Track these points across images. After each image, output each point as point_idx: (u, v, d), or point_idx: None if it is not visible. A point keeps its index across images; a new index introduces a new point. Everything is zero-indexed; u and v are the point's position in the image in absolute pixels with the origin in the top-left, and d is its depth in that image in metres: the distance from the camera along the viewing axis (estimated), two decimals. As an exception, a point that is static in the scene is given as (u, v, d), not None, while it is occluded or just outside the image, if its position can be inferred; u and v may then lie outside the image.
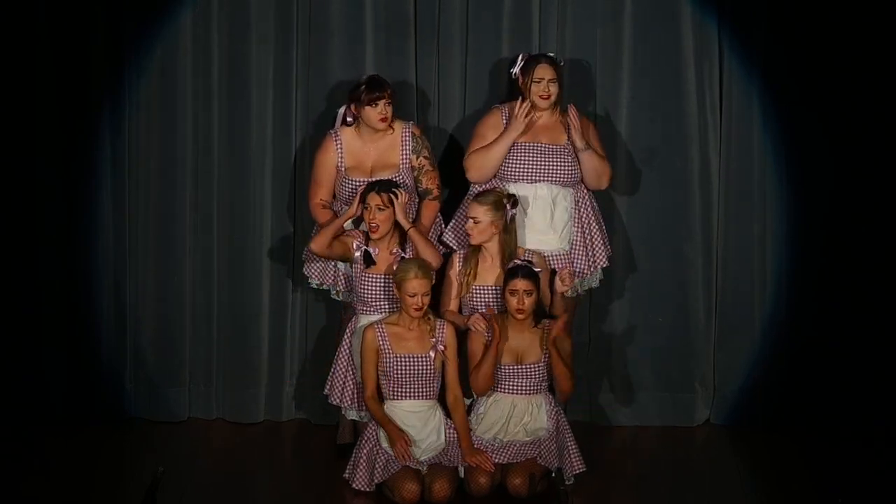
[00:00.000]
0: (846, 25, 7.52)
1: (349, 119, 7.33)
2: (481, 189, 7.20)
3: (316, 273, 7.36)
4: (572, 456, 6.89)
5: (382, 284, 7.05)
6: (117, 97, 7.67)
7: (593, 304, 7.77)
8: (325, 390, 7.25)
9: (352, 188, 7.24)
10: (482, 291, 7.08)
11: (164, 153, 7.74)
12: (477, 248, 7.08)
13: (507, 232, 7.06)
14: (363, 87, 7.23)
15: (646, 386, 7.82)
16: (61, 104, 7.59)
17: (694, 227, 7.75)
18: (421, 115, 7.70)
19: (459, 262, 7.13)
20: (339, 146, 7.31)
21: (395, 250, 7.06)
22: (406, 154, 7.30)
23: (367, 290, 7.07)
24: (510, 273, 6.85)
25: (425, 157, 7.32)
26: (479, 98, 7.69)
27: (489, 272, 7.09)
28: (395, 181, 7.12)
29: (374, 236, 7.02)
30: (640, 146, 7.73)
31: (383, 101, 7.22)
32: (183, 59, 7.70)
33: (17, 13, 7.51)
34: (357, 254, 7.06)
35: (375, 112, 7.22)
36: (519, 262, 6.92)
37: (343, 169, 7.28)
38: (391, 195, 6.98)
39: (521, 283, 6.80)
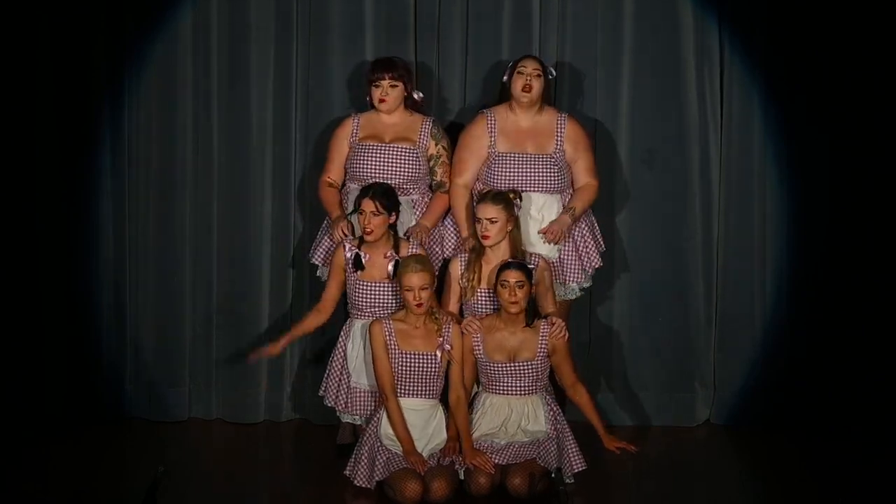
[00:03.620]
0: (846, 26, 7.52)
1: (368, 98, 7.31)
2: (484, 191, 7.16)
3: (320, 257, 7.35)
4: (572, 455, 6.87)
5: (375, 291, 7.04)
6: (117, 97, 7.67)
7: (593, 305, 7.77)
8: (321, 392, 7.25)
9: (364, 155, 7.19)
10: (489, 295, 7.04)
11: (164, 153, 7.74)
12: (480, 252, 7.06)
13: (517, 227, 7.04)
14: (369, 65, 7.25)
15: (646, 386, 7.82)
16: (61, 104, 7.59)
17: (694, 227, 7.75)
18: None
19: (462, 265, 7.10)
20: (356, 122, 7.27)
21: (388, 253, 7.03)
22: (425, 136, 7.26)
23: (360, 296, 7.05)
24: (502, 266, 6.82)
25: (444, 148, 7.28)
26: (479, 98, 7.69)
27: (494, 274, 7.03)
28: (391, 187, 7.06)
29: (368, 239, 6.99)
30: (640, 146, 7.73)
31: (385, 81, 7.19)
32: (183, 59, 7.71)
33: (17, 13, 7.51)
34: (348, 255, 7.04)
35: (377, 93, 7.21)
36: (514, 259, 6.90)
37: (356, 139, 7.25)
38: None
39: (512, 275, 6.76)
